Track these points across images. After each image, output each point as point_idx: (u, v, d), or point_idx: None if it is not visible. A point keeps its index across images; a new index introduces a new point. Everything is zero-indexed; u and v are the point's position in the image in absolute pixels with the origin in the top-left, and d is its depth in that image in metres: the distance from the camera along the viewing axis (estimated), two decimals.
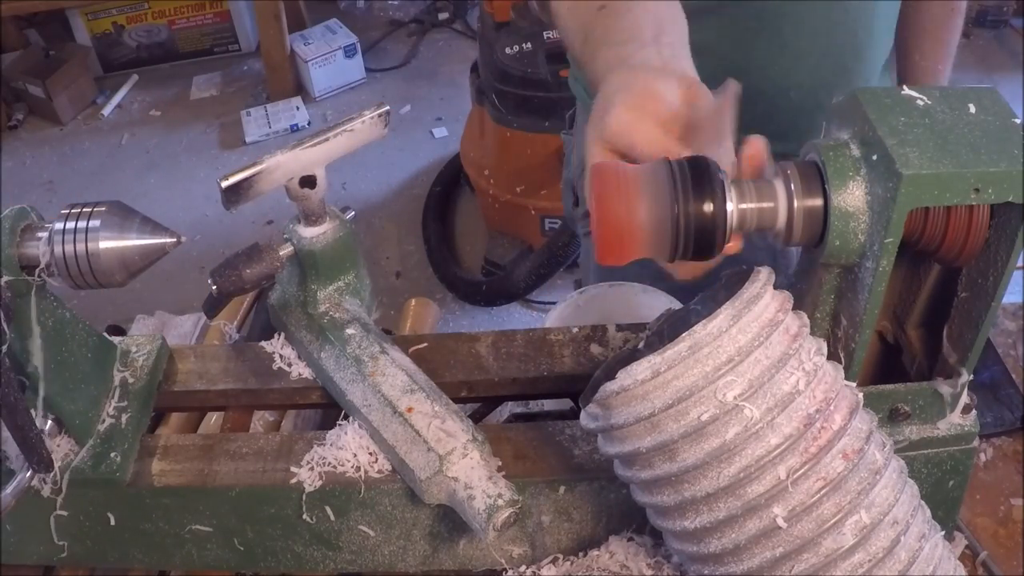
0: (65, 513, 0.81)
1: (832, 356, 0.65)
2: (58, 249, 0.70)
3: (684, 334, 0.56)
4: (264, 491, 0.79)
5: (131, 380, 0.84)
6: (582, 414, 0.63)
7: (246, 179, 0.72)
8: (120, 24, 3.71)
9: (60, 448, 0.79)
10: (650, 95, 0.66)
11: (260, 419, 1.04)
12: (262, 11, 3.35)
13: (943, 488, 0.73)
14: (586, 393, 0.62)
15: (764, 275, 0.59)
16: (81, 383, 0.79)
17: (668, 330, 0.66)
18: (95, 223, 0.70)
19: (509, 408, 1.01)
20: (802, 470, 0.56)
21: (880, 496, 0.59)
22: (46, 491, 0.78)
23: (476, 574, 0.82)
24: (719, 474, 0.57)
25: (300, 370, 0.87)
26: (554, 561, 0.80)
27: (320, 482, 0.77)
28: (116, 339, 0.87)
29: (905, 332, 0.70)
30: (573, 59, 0.88)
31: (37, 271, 0.71)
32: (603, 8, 0.81)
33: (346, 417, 0.80)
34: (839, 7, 1.02)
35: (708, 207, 0.58)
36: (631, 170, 0.59)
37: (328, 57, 3.49)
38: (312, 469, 0.77)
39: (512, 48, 2.38)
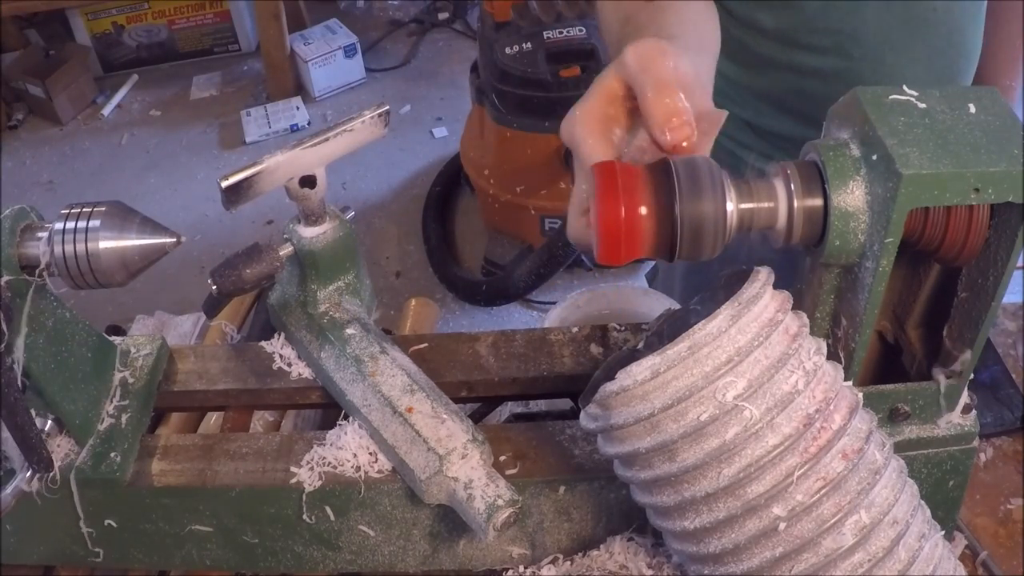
0: (82, 518, 0.81)
1: (832, 356, 0.65)
2: (58, 249, 0.70)
3: (684, 334, 0.56)
4: (264, 491, 0.79)
5: (131, 380, 0.84)
6: (582, 414, 0.63)
7: (246, 179, 0.72)
8: (120, 24, 3.71)
9: (60, 448, 0.79)
10: (678, 53, 0.65)
11: (260, 419, 1.04)
12: (262, 11, 3.35)
13: (943, 488, 0.73)
14: (586, 393, 0.62)
15: (764, 275, 0.59)
16: (81, 383, 0.79)
17: (668, 330, 0.66)
18: (95, 223, 0.70)
19: (509, 408, 1.01)
20: (802, 470, 0.56)
21: (880, 496, 0.59)
22: (44, 491, 0.78)
23: (476, 574, 0.82)
24: (719, 474, 0.57)
25: (300, 370, 0.87)
26: (554, 561, 0.80)
27: (320, 482, 0.77)
28: (116, 339, 0.87)
29: (905, 332, 0.70)
30: (608, 43, 0.89)
31: (38, 271, 0.71)
32: (650, 3, 0.81)
33: (346, 417, 0.80)
34: (939, 34, 1.01)
35: (708, 207, 0.58)
36: (632, 169, 0.59)
37: (328, 57, 3.49)
38: (312, 469, 0.77)
39: (512, 48, 2.38)
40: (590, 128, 0.65)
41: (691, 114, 0.61)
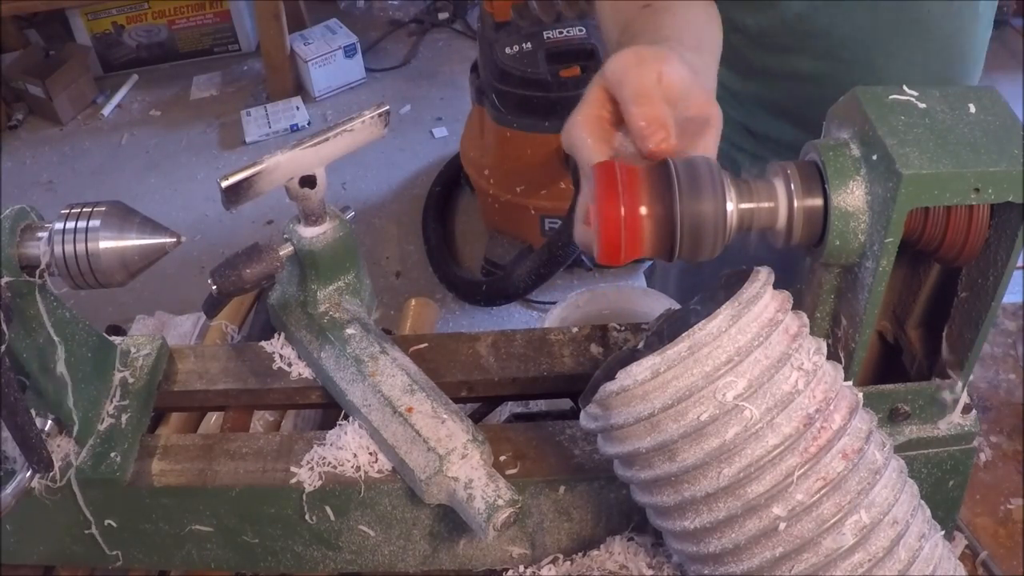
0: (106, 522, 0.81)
1: (832, 356, 0.65)
2: (58, 249, 0.70)
3: (684, 334, 0.56)
4: (264, 491, 0.79)
5: (131, 380, 0.84)
6: (582, 414, 0.63)
7: (246, 179, 0.73)
8: (120, 24, 3.71)
9: (60, 448, 0.79)
10: (663, 58, 0.65)
11: (260, 419, 1.04)
12: (262, 11, 3.35)
13: (943, 488, 0.73)
14: (586, 393, 0.62)
15: (764, 275, 0.59)
16: (81, 383, 0.79)
17: (668, 330, 0.66)
18: (95, 223, 0.70)
19: (509, 408, 1.01)
20: (802, 470, 0.56)
21: (880, 496, 0.59)
22: (45, 491, 0.78)
23: (476, 574, 0.82)
24: (719, 474, 0.57)
25: (300, 370, 0.87)
26: (554, 561, 0.80)
27: (320, 482, 0.77)
28: (116, 339, 0.87)
29: (905, 332, 0.70)
30: (609, 50, 0.89)
31: (38, 271, 0.71)
32: (647, 7, 0.81)
33: (346, 417, 0.80)
34: (933, 37, 1.01)
35: (708, 207, 0.58)
36: (632, 169, 0.59)
37: (328, 57, 3.49)
38: (312, 469, 0.77)
39: (512, 48, 2.38)
40: (588, 132, 0.66)
41: (668, 118, 0.61)
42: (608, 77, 0.65)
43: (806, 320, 0.61)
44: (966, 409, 0.69)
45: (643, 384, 0.57)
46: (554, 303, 1.25)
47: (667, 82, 0.63)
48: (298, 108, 3.46)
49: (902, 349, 0.71)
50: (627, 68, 0.64)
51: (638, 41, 0.76)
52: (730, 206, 0.58)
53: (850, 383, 0.61)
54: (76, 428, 0.79)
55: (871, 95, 0.59)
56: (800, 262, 0.67)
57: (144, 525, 0.82)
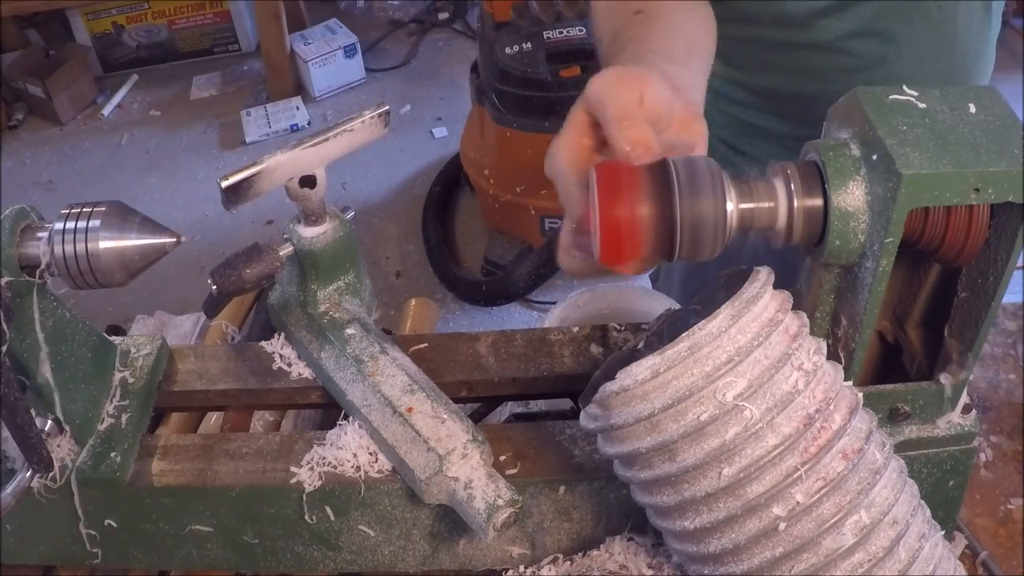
0: (83, 517, 0.81)
1: (832, 356, 0.65)
2: (58, 249, 0.70)
3: (684, 334, 0.56)
4: (264, 491, 0.79)
5: (131, 380, 0.84)
6: (582, 414, 0.63)
7: (246, 179, 0.73)
8: (120, 24, 3.71)
9: (60, 448, 0.79)
10: (644, 79, 0.64)
11: (260, 419, 1.04)
12: (262, 11, 3.35)
13: (943, 488, 0.73)
14: (586, 393, 0.62)
15: (764, 275, 0.59)
16: (81, 383, 0.79)
17: (668, 330, 0.66)
18: (95, 223, 0.71)
19: (509, 408, 1.01)
20: (802, 470, 0.56)
21: (880, 496, 0.59)
22: (44, 491, 0.78)
23: (476, 574, 0.82)
24: (719, 474, 0.57)
25: (300, 370, 0.87)
26: (554, 561, 0.80)
27: (320, 482, 0.77)
28: (116, 339, 0.87)
29: (905, 332, 0.70)
30: (600, 59, 0.89)
31: (38, 271, 0.71)
32: (639, 13, 0.81)
33: (346, 417, 0.80)
34: (947, 33, 1.00)
35: (708, 206, 0.58)
36: (632, 169, 0.59)
37: (328, 57, 3.49)
38: (312, 469, 0.77)
39: (512, 48, 2.38)
40: (567, 163, 0.66)
41: (653, 140, 0.61)
42: (589, 99, 0.65)
43: (806, 320, 0.61)
44: (966, 409, 0.69)
45: (643, 384, 0.57)
46: (554, 303, 1.25)
47: (649, 104, 0.63)
48: (298, 108, 3.46)
49: (902, 349, 0.71)
50: (607, 89, 0.64)
51: (627, 50, 0.75)
52: (730, 206, 0.58)
53: (850, 383, 0.61)
54: (76, 428, 0.79)
55: (871, 95, 0.59)
56: (800, 262, 0.67)
57: (144, 525, 0.82)
